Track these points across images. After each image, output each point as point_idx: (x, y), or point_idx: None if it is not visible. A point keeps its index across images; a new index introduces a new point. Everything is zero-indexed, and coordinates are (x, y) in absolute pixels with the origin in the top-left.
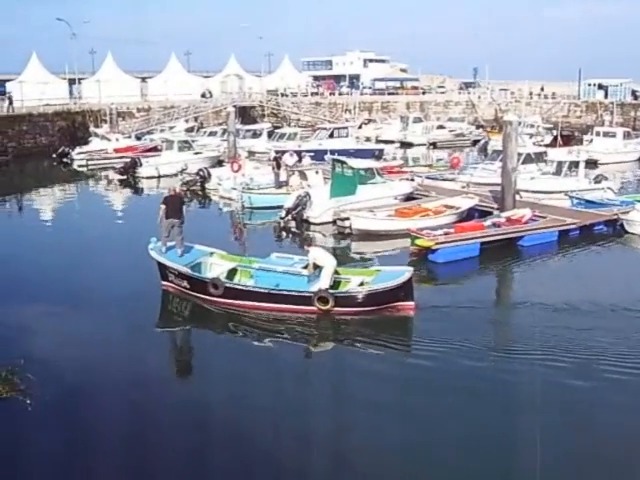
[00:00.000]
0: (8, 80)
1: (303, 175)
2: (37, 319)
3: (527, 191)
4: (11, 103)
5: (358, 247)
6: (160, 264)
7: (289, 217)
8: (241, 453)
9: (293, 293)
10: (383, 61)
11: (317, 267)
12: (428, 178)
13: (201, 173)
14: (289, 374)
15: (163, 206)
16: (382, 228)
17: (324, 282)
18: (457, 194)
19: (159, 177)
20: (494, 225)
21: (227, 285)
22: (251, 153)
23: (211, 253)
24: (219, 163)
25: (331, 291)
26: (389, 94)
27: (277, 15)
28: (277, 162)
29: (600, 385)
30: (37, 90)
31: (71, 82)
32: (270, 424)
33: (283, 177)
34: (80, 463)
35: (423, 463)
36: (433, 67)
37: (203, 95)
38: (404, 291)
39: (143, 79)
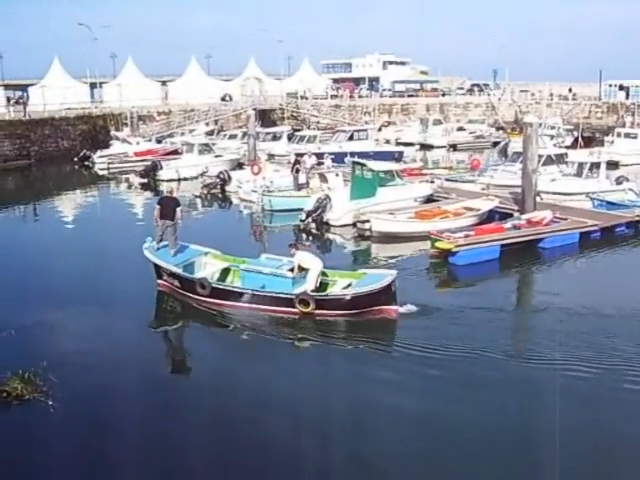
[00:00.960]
0: (30, 85)
1: (323, 178)
2: (53, 320)
3: (548, 193)
4: (25, 108)
5: (378, 249)
6: (154, 263)
7: (309, 220)
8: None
9: (276, 295)
10: (403, 63)
11: (303, 269)
12: (448, 180)
13: (221, 176)
14: (267, 377)
15: (158, 206)
16: (402, 230)
17: (309, 284)
18: (477, 196)
19: (179, 180)
20: (514, 227)
21: (214, 285)
22: (271, 156)
23: (206, 253)
24: (239, 166)
25: (312, 294)
26: (409, 96)
27: (296, 18)
28: (297, 163)
29: (626, 397)
30: (59, 94)
31: (92, 86)
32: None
33: (302, 179)
34: (100, 463)
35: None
36: (453, 69)
37: (223, 98)
38: (386, 295)
39: (163, 83)
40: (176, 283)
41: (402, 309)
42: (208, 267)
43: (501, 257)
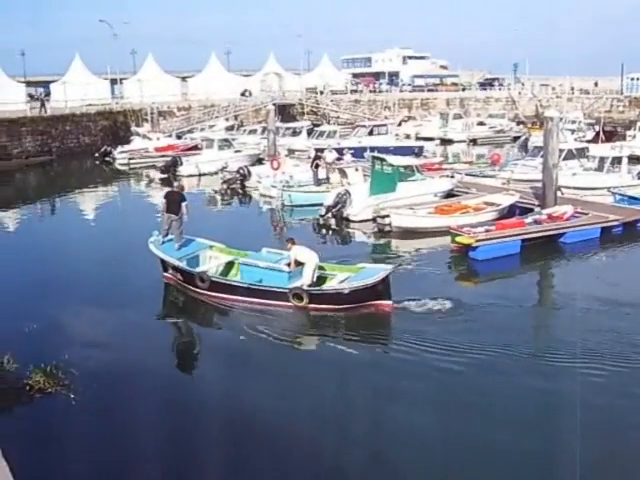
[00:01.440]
0: (52, 81)
1: (343, 173)
2: (72, 314)
3: (569, 187)
4: (43, 105)
5: (398, 244)
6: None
7: (329, 215)
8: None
9: (271, 289)
10: (422, 58)
11: (300, 264)
12: (468, 175)
13: (241, 171)
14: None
15: (164, 200)
16: (422, 225)
17: (305, 279)
18: (498, 191)
19: (199, 175)
20: (535, 222)
21: (213, 279)
22: (291, 151)
23: (211, 246)
24: (259, 161)
25: (305, 288)
26: (429, 91)
27: (315, 13)
28: (317, 159)
29: None
30: (80, 90)
31: (113, 82)
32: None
33: (322, 174)
34: (121, 455)
35: None
36: (473, 63)
37: (243, 94)
38: (380, 290)
39: (183, 78)
40: (179, 276)
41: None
42: (212, 261)
43: (522, 252)
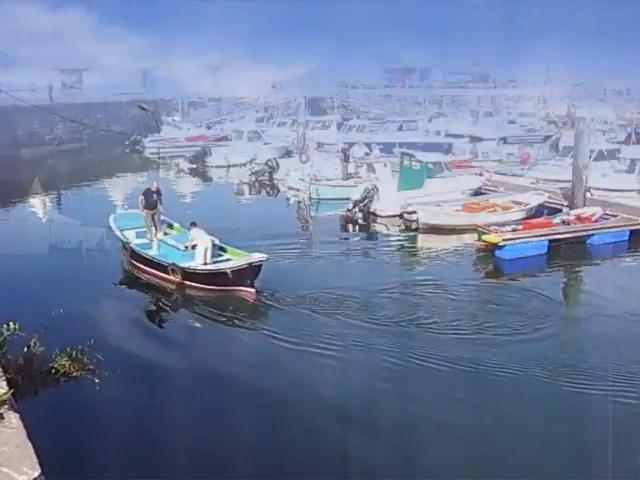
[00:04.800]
0: (85, 69)
1: (371, 168)
2: (97, 298)
3: (598, 189)
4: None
5: (424, 241)
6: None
7: (356, 209)
8: None
9: (160, 262)
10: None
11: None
12: (497, 173)
13: (270, 163)
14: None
15: (142, 197)
16: (449, 222)
17: (197, 259)
18: (526, 190)
19: (228, 166)
20: (563, 223)
21: (133, 249)
22: (320, 145)
23: (170, 225)
24: (288, 154)
25: (181, 265)
26: (460, 87)
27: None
28: (345, 154)
29: None
30: (112, 79)
31: (145, 71)
32: None
33: (351, 169)
34: (143, 438)
35: None
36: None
37: (273, 86)
38: (244, 276)
39: (215, 69)
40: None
41: None
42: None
43: (549, 252)
